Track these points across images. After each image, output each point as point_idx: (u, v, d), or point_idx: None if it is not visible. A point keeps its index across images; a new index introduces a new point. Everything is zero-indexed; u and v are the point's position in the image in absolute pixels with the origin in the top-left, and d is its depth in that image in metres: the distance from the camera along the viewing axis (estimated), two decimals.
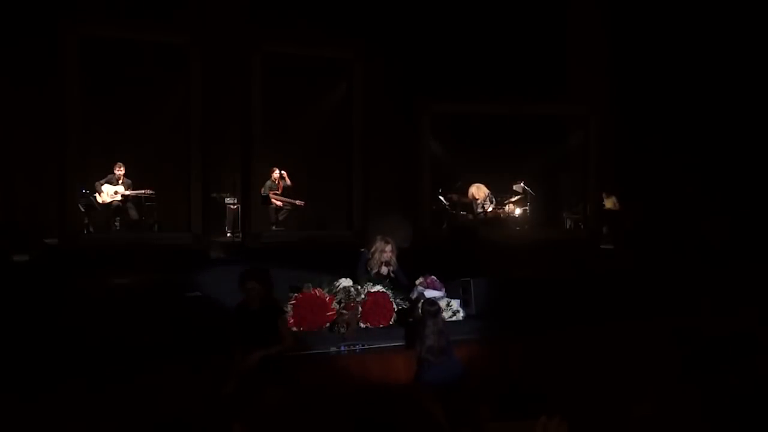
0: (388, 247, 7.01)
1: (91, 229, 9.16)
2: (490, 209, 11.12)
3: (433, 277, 6.93)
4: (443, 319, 5.53)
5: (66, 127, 7.91)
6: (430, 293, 6.60)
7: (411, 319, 6.15)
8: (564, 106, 11.69)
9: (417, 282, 6.85)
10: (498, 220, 11.12)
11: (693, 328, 6.50)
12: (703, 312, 7.08)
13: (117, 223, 9.57)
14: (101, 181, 9.35)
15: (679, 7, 11.22)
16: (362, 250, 7.33)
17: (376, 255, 6.98)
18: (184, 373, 5.19)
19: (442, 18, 11.43)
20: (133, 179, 9.55)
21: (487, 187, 11.24)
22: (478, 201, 11.10)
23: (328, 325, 6.33)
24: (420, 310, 5.61)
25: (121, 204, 9.42)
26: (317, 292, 6.38)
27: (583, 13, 12.13)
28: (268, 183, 10.14)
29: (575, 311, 7.14)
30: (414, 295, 6.67)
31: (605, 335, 6.55)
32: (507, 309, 7.02)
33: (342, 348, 5.95)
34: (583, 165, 11.01)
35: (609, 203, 11.52)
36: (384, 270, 7.00)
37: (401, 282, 6.97)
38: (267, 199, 10.08)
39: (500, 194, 11.41)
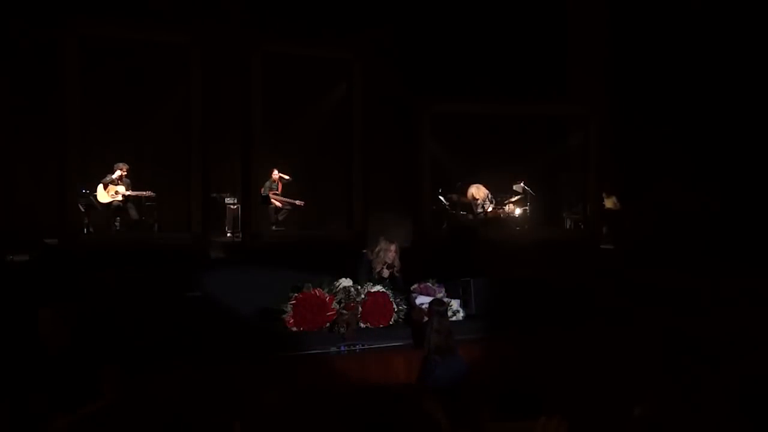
0: (393, 247, 7.02)
1: (91, 229, 9.16)
2: (490, 209, 11.11)
3: (427, 284, 6.94)
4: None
5: (66, 127, 7.90)
6: (420, 299, 6.62)
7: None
8: (564, 106, 11.68)
9: (411, 288, 6.87)
10: (498, 220, 11.10)
11: (689, 328, 6.51)
12: (703, 312, 7.09)
13: (117, 223, 9.56)
14: (105, 179, 9.33)
15: (679, 7, 11.22)
16: (364, 251, 7.34)
17: (381, 254, 6.98)
18: (184, 372, 5.20)
19: (442, 18, 11.43)
20: (133, 179, 9.54)
21: (487, 187, 11.23)
22: (478, 201, 11.10)
23: (328, 325, 6.33)
24: (426, 311, 5.64)
25: (121, 204, 9.42)
26: (317, 292, 6.38)
27: (583, 13, 12.13)
28: (268, 183, 10.14)
29: (575, 311, 7.15)
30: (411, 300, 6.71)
31: (605, 335, 6.56)
32: (507, 309, 7.02)
33: (342, 348, 5.95)
34: (583, 165, 11.00)
35: (609, 203, 11.52)
36: (386, 273, 7.00)
37: (400, 285, 6.98)
38: (267, 199, 10.08)
39: (500, 194, 11.40)
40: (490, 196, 11.19)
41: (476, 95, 11.00)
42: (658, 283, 8.09)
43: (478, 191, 11.12)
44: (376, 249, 7.02)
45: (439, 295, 6.72)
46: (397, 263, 7.01)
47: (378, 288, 6.69)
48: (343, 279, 6.65)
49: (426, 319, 5.51)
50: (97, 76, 8.61)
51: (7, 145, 9.31)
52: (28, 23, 8.82)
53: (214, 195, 9.70)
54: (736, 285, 7.82)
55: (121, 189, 9.37)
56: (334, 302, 6.38)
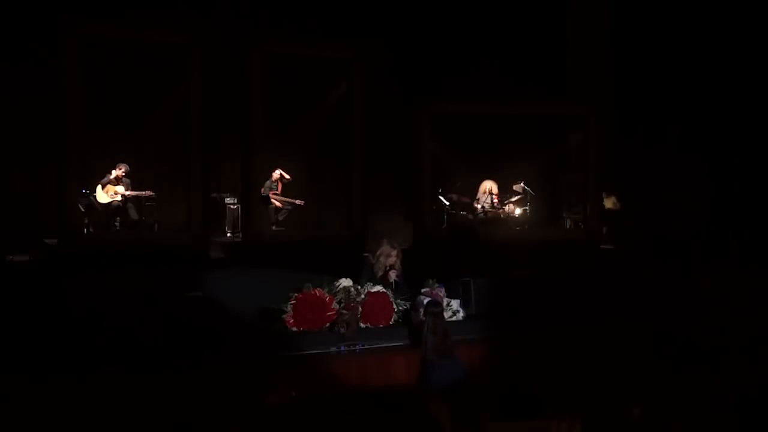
0: (394, 252, 7.01)
1: (91, 229, 9.15)
2: (487, 204, 11.12)
3: (437, 290, 6.89)
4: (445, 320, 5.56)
5: (66, 127, 7.89)
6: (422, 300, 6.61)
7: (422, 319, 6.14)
8: (564, 106, 11.68)
9: (422, 291, 6.83)
10: (498, 220, 11.11)
11: (688, 328, 6.51)
12: (703, 311, 7.09)
13: (117, 223, 9.55)
14: (102, 180, 9.33)
15: (679, 7, 11.23)
16: (365, 254, 7.33)
17: (381, 259, 6.97)
18: (184, 373, 5.20)
19: (442, 18, 11.43)
20: (132, 179, 9.53)
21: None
22: (486, 195, 11.08)
23: (328, 325, 6.33)
24: (422, 313, 5.64)
25: (121, 204, 9.41)
26: (317, 292, 6.38)
27: (583, 13, 12.13)
28: (268, 183, 10.13)
29: (575, 311, 7.15)
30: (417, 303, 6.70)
31: (605, 335, 6.57)
32: (507, 309, 7.03)
33: (342, 348, 5.95)
34: (583, 165, 10.99)
35: (609, 203, 11.51)
36: (390, 276, 6.98)
37: (402, 288, 6.96)
38: (267, 199, 10.08)
39: (500, 194, 11.39)
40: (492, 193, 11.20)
41: (476, 95, 10.99)
42: (658, 283, 8.10)
43: (490, 183, 11.12)
44: (377, 253, 7.01)
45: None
46: (398, 267, 7.00)
47: (378, 288, 6.69)
48: (343, 279, 6.65)
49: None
50: (97, 76, 8.60)
51: (8, 145, 9.31)
52: (29, 23, 8.81)
53: (214, 195, 9.69)
54: (736, 284, 7.82)
55: (120, 189, 9.37)
56: (334, 302, 6.38)
